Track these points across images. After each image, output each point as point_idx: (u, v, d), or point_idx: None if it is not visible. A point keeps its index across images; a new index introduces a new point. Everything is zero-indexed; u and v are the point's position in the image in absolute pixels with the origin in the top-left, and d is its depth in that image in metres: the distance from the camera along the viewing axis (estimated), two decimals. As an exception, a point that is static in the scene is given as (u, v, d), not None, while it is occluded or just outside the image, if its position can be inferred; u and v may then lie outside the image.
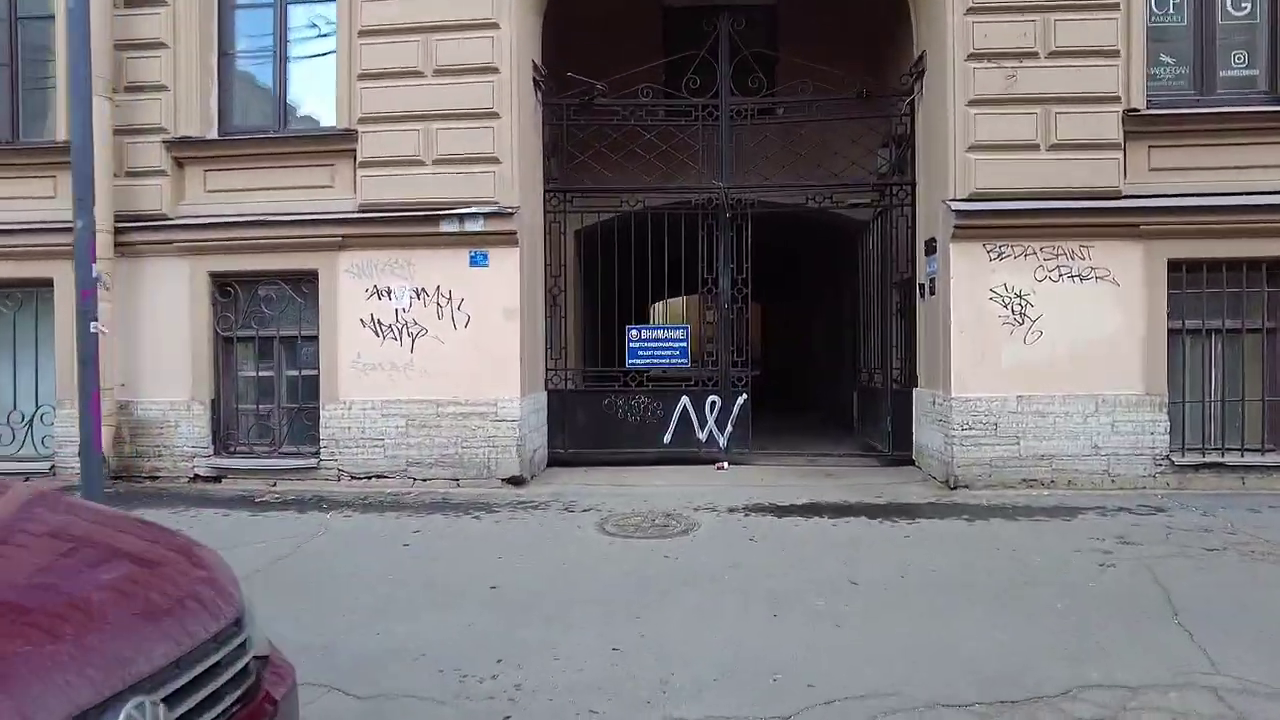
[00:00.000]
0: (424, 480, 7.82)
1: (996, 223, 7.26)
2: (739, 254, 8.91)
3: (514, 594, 4.79)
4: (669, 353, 8.98)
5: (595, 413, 8.95)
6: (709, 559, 5.40)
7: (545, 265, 8.92)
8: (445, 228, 7.67)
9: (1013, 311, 7.33)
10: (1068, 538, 5.78)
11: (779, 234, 13.52)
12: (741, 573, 5.10)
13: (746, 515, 6.59)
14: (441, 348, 7.79)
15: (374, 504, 7.22)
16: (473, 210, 7.60)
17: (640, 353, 8.99)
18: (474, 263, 7.77)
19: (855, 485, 7.72)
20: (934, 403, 7.83)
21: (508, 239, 7.69)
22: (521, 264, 7.90)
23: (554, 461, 8.87)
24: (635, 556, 5.52)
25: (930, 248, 7.98)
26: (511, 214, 7.63)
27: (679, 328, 8.98)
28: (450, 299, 7.80)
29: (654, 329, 8.96)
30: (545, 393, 8.84)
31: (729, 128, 8.90)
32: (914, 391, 8.52)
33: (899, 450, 8.68)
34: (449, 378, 7.76)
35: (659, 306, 20.26)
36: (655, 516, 6.56)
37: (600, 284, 9.68)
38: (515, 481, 7.73)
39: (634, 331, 9.01)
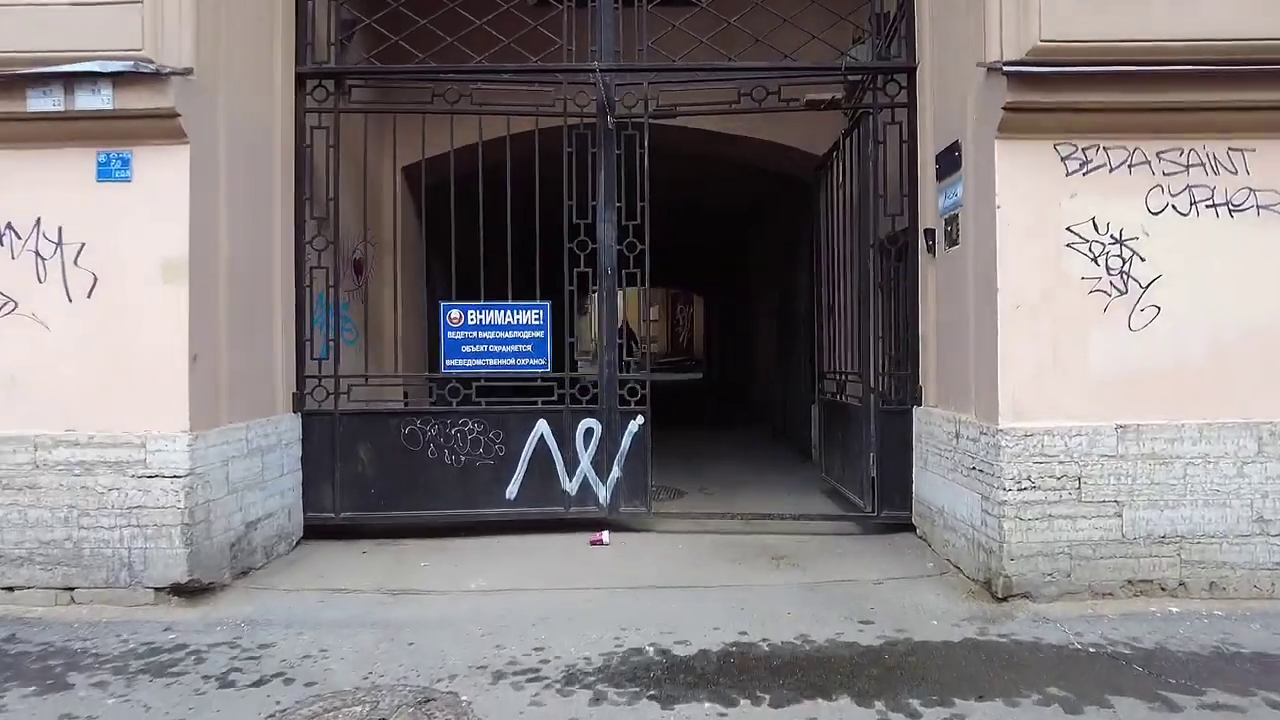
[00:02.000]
0: (8, 590, 4.10)
1: (1080, 99, 3.88)
2: (629, 186, 5.41)
3: None
4: (514, 348, 5.42)
5: (390, 449, 5.33)
6: None
7: (302, 199, 5.27)
8: (38, 103, 3.95)
9: (1109, 269, 3.98)
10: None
11: (707, 189, 10.10)
12: None
13: (598, 701, 3.06)
14: (45, 338, 4.08)
15: None
16: (91, 67, 3.91)
17: (465, 348, 5.40)
18: (105, 175, 4.08)
19: (822, 589, 4.27)
20: (959, 436, 4.44)
21: (165, 128, 4.02)
22: (215, 180, 4.27)
23: (319, 532, 5.24)
24: None
25: (949, 162, 4.59)
26: (168, 77, 3.95)
27: (531, 307, 5.42)
28: (60, 244, 4.09)
29: (486, 308, 5.39)
30: (295, 417, 5.19)
31: (612, -23, 5.40)
32: (916, 413, 5.14)
33: (889, 508, 5.28)
34: (57, 395, 4.05)
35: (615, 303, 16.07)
36: (393, 710, 2.99)
37: (455, 254, 5.98)
38: (186, 591, 4.06)
39: (453, 313, 5.40)
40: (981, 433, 4.15)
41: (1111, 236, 3.97)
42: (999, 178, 3.98)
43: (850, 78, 5.47)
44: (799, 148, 7.26)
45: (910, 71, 5.21)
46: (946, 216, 4.68)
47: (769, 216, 10.98)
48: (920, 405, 5.10)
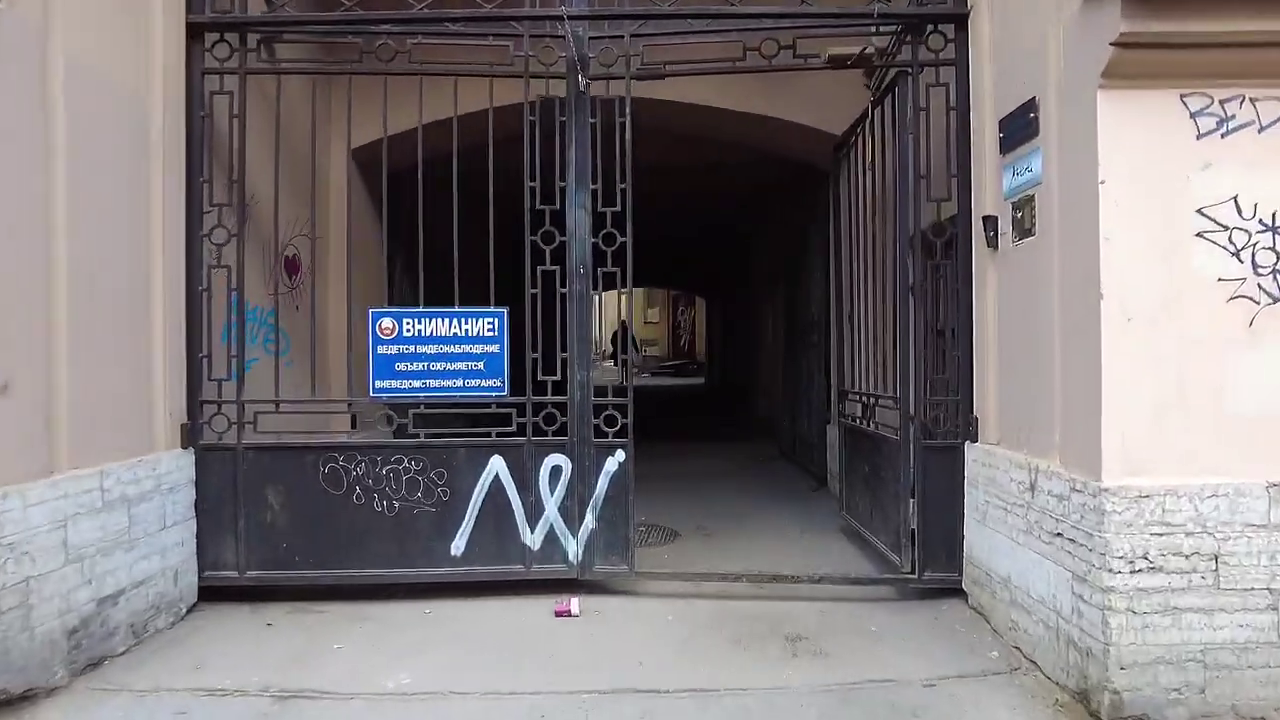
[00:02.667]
0: None
1: (1223, 29, 2.78)
2: (606, 165, 4.33)
3: None
4: (461, 366, 4.34)
5: (307, 492, 4.26)
6: None
7: (197, 182, 4.21)
8: None
9: (1256, 267, 2.89)
10: None
11: (704, 180, 8.99)
12: None
13: None
14: None
15: None
16: None
17: (399, 366, 4.32)
18: (-120, 138, 3.03)
19: (855, 696, 3.18)
20: (1034, 489, 3.36)
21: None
22: (47, 148, 3.22)
23: (221, 595, 4.19)
24: None
25: (1021, 127, 3.50)
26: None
27: (483, 314, 4.35)
28: None
29: (426, 316, 4.32)
30: (186, 454, 4.12)
31: (585, -97, 4.32)
32: (969, 451, 4.05)
33: (933, 568, 4.19)
34: None
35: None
36: None
37: (388, 250, 4.93)
38: (-11, 707, 3.02)
39: (384, 322, 4.33)
40: (1073, 488, 3.06)
41: (1261, 222, 2.89)
42: (1103, 142, 2.90)
43: (883, 29, 4.38)
44: (813, 126, 6.20)
45: (960, 19, 4.12)
46: (1015, 199, 3.60)
47: (776, 211, 9.90)
48: (975, 441, 4.01)
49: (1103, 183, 2.90)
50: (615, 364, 22.27)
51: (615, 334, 22.02)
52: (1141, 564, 2.83)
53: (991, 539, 3.78)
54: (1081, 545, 3.00)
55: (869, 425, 4.95)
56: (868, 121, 4.96)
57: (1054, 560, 3.20)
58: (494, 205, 4.41)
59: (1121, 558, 2.84)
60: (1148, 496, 2.85)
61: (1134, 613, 2.83)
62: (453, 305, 4.35)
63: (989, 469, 3.82)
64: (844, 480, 5.56)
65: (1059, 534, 3.17)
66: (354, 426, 4.92)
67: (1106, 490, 2.86)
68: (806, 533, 5.61)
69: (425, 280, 4.52)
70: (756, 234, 11.96)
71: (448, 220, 4.39)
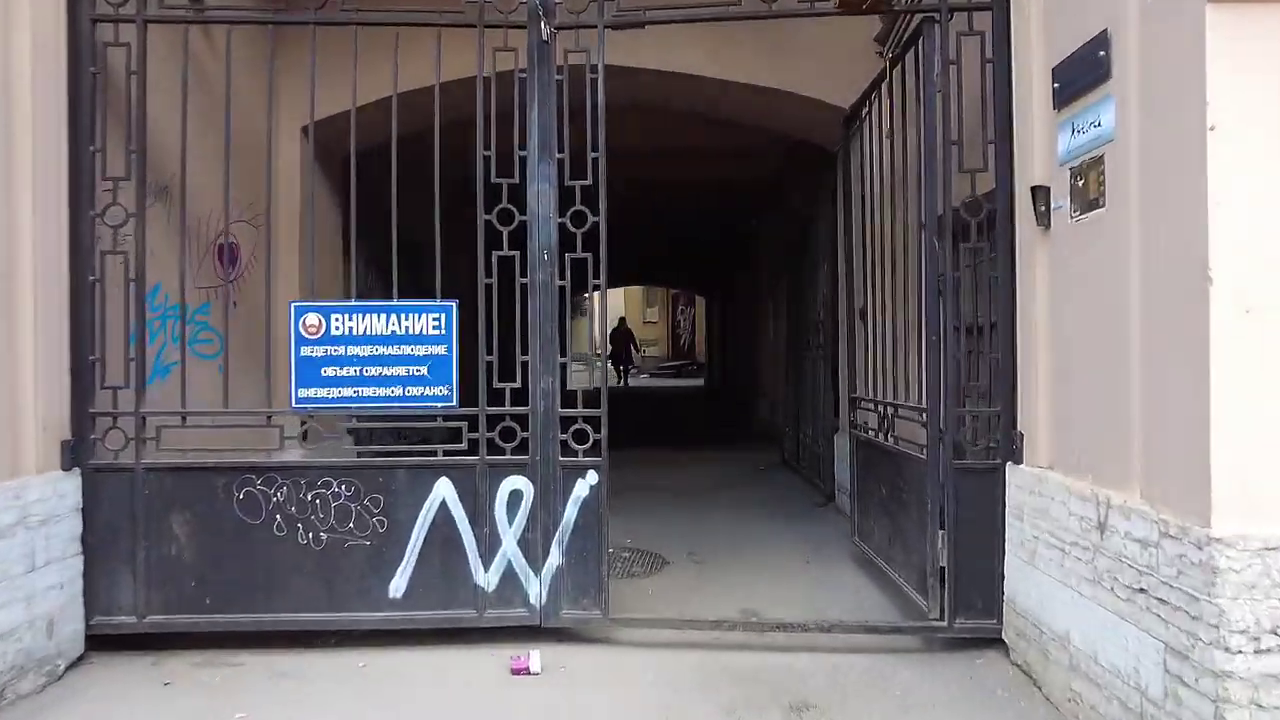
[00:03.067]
0: None
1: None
2: (570, 125, 3.62)
3: None
4: (402, 371, 3.63)
5: (219, 521, 3.56)
6: None
7: (84, 151, 3.52)
8: None
9: None
10: None
11: (698, 168, 8.26)
12: None
13: None
14: None
15: None
16: None
17: (326, 370, 3.61)
18: None
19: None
20: (1105, 529, 2.65)
21: None
22: None
23: (115, 643, 3.51)
24: None
25: (1085, 70, 2.77)
26: None
27: (429, 309, 3.63)
28: None
29: (359, 311, 3.60)
30: (71, 476, 3.40)
31: None
32: (1012, 475, 3.34)
33: (966, 613, 3.47)
34: None
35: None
36: None
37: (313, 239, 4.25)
38: None
39: (309, 318, 3.61)
40: (1164, 534, 2.35)
41: None
42: (1213, 75, 2.18)
43: (905, -32, 3.68)
44: (818, 98, 5.49)
45: (1001, -48, 3.42)
46: (1075, 164, 2.88)
47: (778, 202, 9.18)
48: (1019, 463, 3.30)
49: (1212, 129, 2.18)
50: (615, 368, 21.61)
51: (614, 333, 21.33)
52: (1271, 641, 2.12)
53: (1042, 585, 3.06)
54: (1179, 610, 2.28)
55: (887, 439, 4.23)
56: (885, 85, 4.24)
57: (1135, 623, 2.48)
58: (452, 187, 3.72)
59: (1242, 632, 2.12)
60: (1276, 549, 2.14)
61: (1260, 707, 2.11)
62: (412, 299, 3.66)
63: (1039, 498, 3.11)
64: (857, 501, 4.83)
65: (1141, 589, 2.45)
66: (305, 439, 4.20)
67: (1219, 541, 2.14)
68: (813, 561, 4.91)
69: (385, 275, 3.81)
70: (758, 227, 11.25)
71: (415, 206, 3.70)
